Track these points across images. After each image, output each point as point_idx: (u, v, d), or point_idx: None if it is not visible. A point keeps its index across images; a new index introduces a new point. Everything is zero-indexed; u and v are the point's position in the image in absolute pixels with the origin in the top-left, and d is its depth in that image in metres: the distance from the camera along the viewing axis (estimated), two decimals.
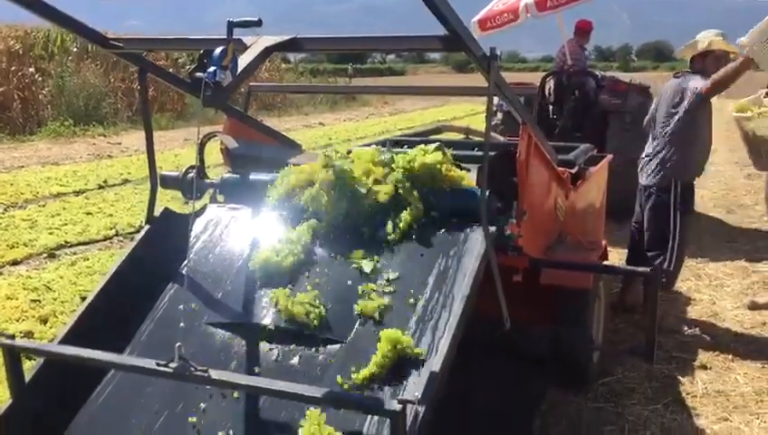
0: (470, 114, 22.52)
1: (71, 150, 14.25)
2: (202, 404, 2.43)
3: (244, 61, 2.45)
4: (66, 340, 2.58)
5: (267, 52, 2.55)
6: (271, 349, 2.55)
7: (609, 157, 5.58)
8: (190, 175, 3.34)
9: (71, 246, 7.14)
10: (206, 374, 2.15)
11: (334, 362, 2.43)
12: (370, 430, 2.20)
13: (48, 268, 6.34)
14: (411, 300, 2.54)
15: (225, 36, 2.38)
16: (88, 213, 8.52)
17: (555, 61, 8.42)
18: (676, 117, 4.81)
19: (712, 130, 4.93)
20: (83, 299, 5.38)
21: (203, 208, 3.25)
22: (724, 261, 6.45)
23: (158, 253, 2.97)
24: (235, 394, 2.42)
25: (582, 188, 4.53)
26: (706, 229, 7.56)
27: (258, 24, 2.36)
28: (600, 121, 7.70)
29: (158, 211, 3.17)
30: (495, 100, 8.01)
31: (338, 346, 2.48)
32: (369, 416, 2.21)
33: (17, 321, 5.01)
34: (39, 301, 5.42)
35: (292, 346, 2.52)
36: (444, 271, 2.62)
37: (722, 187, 10.13)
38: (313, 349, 2.50)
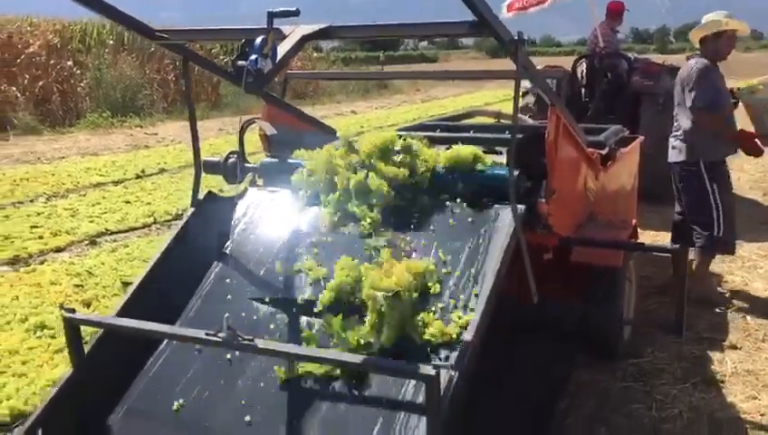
0: (503, 99, 22.42)
1: (109, 141, 14.54)
2: (245, 377, 2.56)
3: (282, 49, 2.56)
4: (121, 314, 2.74)
5: (303, 40, 2.66)
6: (312, 322, 2.68)
7: (641, 138, 5.62)
8: (231, 160, 3.46)
9: (111, 234, 7.36)
10: (251, 343, 2.29)
11: (374, 332, 2.54)
12: (405, 397, 2.31)
13: (90, 255, 6.55)
14: (444, 273, 2.65)
15: (265, 26, 2.49)
16: (127, 202, 8.74)
17: (587, 44, 8.41)
18: (689, 103, 4.91)
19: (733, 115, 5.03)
20: (124, 284, 5.62)
21: (244, 191, 3.37)
22: (759, 243, 6.44)
23: (203, 234, 3.13)
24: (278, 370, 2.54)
25: (613, 168, 4.59)
26: (742, 211, 7.49)
27: (296, 13, 2.46)
28: (633, 103, 7.70)
29: (201, 195, 3.30)
30: (527, 83, 8.12)
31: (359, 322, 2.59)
32: (404, 385, 2.32)
33: (62, 305, 5.20)
34: (82, 286, 5.61)
35: (333, 318, 2.64)
36: (475, 248, 2.73)
37: (759, 169, 10.02)
38: (354, 320, 2.61)
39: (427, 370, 2.03)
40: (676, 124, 5.13)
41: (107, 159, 12.05)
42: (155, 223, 7.79)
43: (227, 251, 3.07)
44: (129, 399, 2.64)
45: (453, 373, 2.19)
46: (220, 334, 2.31)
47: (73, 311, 2.60)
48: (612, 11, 8.14)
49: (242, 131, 3.64)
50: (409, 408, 2.30)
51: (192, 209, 3.24)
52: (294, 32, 2.68)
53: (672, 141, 5.12)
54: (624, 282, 4.09)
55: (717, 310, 4.88)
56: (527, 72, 2.87)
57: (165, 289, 2.91)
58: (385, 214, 2.97)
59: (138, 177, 10.43)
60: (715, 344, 4.41)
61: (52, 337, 4.63)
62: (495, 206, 2.89)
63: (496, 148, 3.85)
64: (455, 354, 2.33)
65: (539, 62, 8.30)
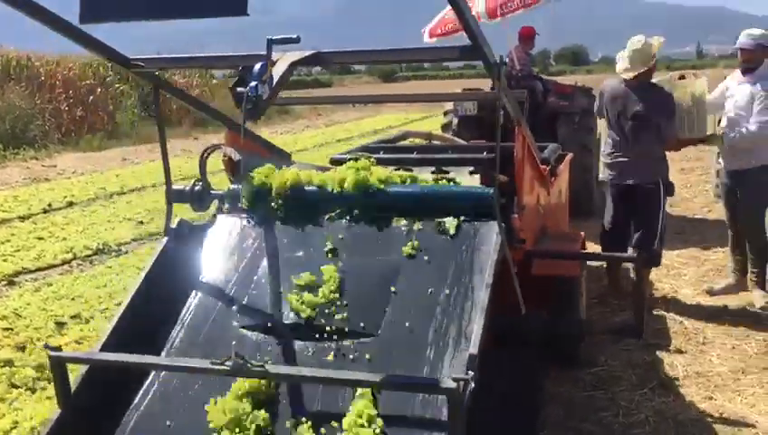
0: (404, 123, 22.83)
1: (3, 175, 13.81)
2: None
3: (275, 74, 2.54)
4: (105, 348, 2.64)
5: (293, 66, 2.64)
6: (305, 347, 2.66)
7: (570, 155, 5.87)
8: (197, 188, 3.39)
9: (29, 272, 7.01)
10: (262, 369, 2.25)
11: (368, 354, 2.55)
12: (415, 413, 2.33)
13: (11, 296, 6.21)
14: (431, 292, 2.68)
15: (265, 53, 2.46)
16: (39, 238, 8.34)
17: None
18: (656, 128, 5.16)
19: None
20: (58, 324, 5.36)
21: (213, 218, 3.32)
22: (678, 251, 6.80)
23: (178, 262, 3.07)
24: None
25: (555, 184, 4.78)
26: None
27: (297, 41, 2.45)
28: (549, 122, 8.02)
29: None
30: (450, 105, 8.30)
31: (369, 339, 2.60)
32: (414, 401, 2.33)
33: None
34: (11, 329, 5.30)
35: (325, 343, 2.63)
36: (460, 264, 2.77)
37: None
38: (346, 344, 2.61)
39: (448, 383, 2.06)
40: (624, 147, 5.28)
41: (6, 193, 11.44)
42: (75, 259, 7.46)
43: (205, 279, 3.02)
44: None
45: (471, 384, 2.21)
46: (227, 363, 2.26)
47: (59, 349, 2.50)
48: (525, 35, 8.45)
49: (204, 158, 3.56)
50: (419, 424, 2.32)
51: (166, 238, 3.15)
52: (283, 58, 2.66)
53: (625, 164, 5.30)
54: (581, 291, 4.25)
55: (655, 313, 5.12)
56: (504, 93, 2.96)
57: (145, 320, 2.83)
58: (359, 234, 2.99)
59: (45, 211, 9.94)
60: (661, 350, 4.62)
61: None
62: (475, 223, 2.94)
63: (443, 167, 3.92)
64: (462, 366, 2.35)
65: (457, 85, 8.49)
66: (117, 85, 23.37)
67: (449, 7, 7.26)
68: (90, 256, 7.59)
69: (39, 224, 9.10)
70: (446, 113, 8.53)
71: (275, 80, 2.51)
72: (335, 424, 2.32)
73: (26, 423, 3.89)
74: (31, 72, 20.85)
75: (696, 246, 6.98)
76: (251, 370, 2.27)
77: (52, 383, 4.14)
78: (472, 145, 5.51)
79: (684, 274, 6.19)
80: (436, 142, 5.93)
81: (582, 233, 4.65)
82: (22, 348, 4.94)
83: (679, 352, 4.59)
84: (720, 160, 5.68)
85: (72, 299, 6.01)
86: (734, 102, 5.26)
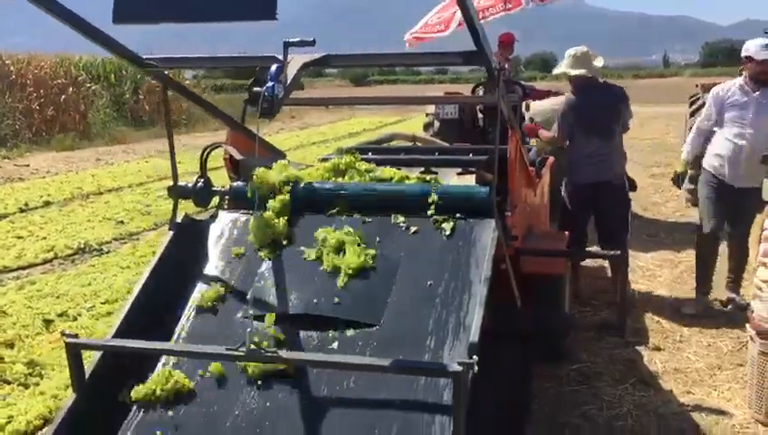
0: (378, 126, 22.96)
1: None
2: (248, 391, 2.60)
3: (288, 75, 2.64)
4: (117, 336, 2.73)
5: (303, 67, 2.74)
6: (309, 336, 2.75)
7: (552, 158, 6.04)
8: (200, 185, 3.47)
9: (11, 271, 7.00)
10: (275, 354, 2.37)
11: (371, 343, 2.66)
12: (417, 397, 2.45)
13: None
14: (431, 284, 2.80)
15: (282, 54, 2.56)
16: (18, 237, 8.31)
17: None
18: (617, 126, 5.43)
19: None
20: (46, 322, 5.38)
21: (215, 214, 3.40)
22: (652, 254, 7.01)
23: (184, 255, 3.15)
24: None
25: (539, 185, 4.94)
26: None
27: (313, 43, 2.55)
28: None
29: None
30: (432, 109, 8.44)
31: (372, 329, 2.71)
32: (418, 383, 2.46)
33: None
34: None
35: (329, 333, 2.73)
36: (457, 259, 2.89)
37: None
38: (349, 334, 2.71)
39: (454, 367, 2.19)
40: (593, 146, 5.46)
41: None
42: (56, 258, 7.46)
43: (210, 272, 3.10)
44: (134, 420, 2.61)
45: (475, 368, 2.32)
46: (241, 349, 2.36)
47: (76, 336, 2.57)
48: (504, 42, 8.63)
49: (205, 156, 3.64)
50: (423, 407, 2.43)
51: (171, 232, 3.23)
52: (294, 60, 2.76)
53: (595, 161, 5.45)
54: (566, 288, 4.41)
55: (633, 313, 5.30)
56: (501, 97, 3.10)
57: (153, 310, 2.91)
58: (359, 229, 3.09)
59: (21, 211, 9.89)
60: (640, 347, 4.79)
61: None
62: (470, 220, 3.07)
63: (432, 168, 4.04)
64: (461, 354, 2.47)
65: (437, 90, 8.60)
66: (89, 85, 23.16)
67: (432, 12, 7.42)
68: (71, 255, 7.59)
69: (17, 223, 9.06)
70: (427, 115, 8.68)
71: (289, 80, 2.61)
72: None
73: (21, 418, 3.92)
74: (1, 70, 20.59)
75: (669, 249, 7.20)
76: (264, 355, 2.37)
77: (44, 379, 4.22)
78: (458, 147, 5.65)
79: (659, 275, 6.39)
80: (418, 144, 6.06)
81: (567, 233, 4.81)
82: (10, 345, 4.96)
83: (657, 349, 4.76)
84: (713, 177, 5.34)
85: (57, 297, 6.03)
86: (756, 115, 5.07)
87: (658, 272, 6.49)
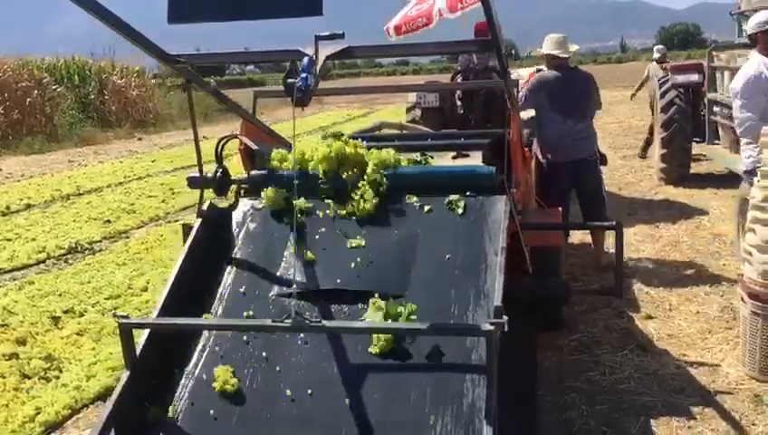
0: (347, 119, 23.11)
1: None
2: (289, 359, 2.78)
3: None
4: (162, 315, 2.89)
5: (327, 59, 2.90)
6: (340, 309, 2.94)
7: (535, 139, 6.30)
8: (219, 175, 3.61)
9: (6, 272, 7.06)
10: (320, 324, 2.55)
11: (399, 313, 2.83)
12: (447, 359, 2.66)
13: None
14: (449, 257, 3.00)
15: (313, 47, 2.71)
16: (7, 239, 8.34)
17: (460, 60, 9.02)
18: (591, 104, 5.96)
19: None
20: (54, 319, 5.47)
21: (236, 202, 3.55)
22: (634, 229, 7.29)
23: (211, 240, 3.32)
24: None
25: (529, 164, 5.19)
26: (608, 205, 8.42)
27: (342, 36, 2.70)
28: (506, 112, 8.39)
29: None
30: (414, 97, 8.63)
31: (399, 299, 2.89)
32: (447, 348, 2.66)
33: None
34: (7, 325, 5.37)
35: (358, 305, 2.92)
36: (471, 234, 3.10)
37: (605, 169, 11.15)
38: (380, 304, 2.88)
39: (487, 326, 2.39)
40: (573, 126, 5.77)
41: None
42: (49, 258, 7.51)
43: (238, 255, 3.27)
44: (186, 390, 2.78)
45: (505, 328, 2.51)
46: (287, 320, 2.53)
47: (127, 316, 2.72)
48: (480, 30, 8.80)
49: (221, 147, 3.77)
50: (454, 368, 2.63)
51: (199, 220, 3.38)
52: (319, 52, 2.91)
53: (577, 140, 5.83)
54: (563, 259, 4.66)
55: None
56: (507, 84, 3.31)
57: (190, 291, 3.08)
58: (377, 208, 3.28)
59: (3, 214, 9.88)
60: (633, 317, 5.05)
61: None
62: (480, 197, 3.27)
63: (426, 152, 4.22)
64: (483, 317, 2.67)
65: (419, 79, 8.77)
66: (54, 87, 22.91)
67: (410, 5, 7.59)
68: (63, 254, 7.64)
69: (2, 226, 9.06)
70: (409, 107, 8.85)
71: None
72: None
73: (50, 409, 4.04)
74: None
75: (648, 225, 7.49)
76: (310, 325, 2.55)
77: (64, 372, 4.33)
78: (448, 133, 5.87)
79: (642, 249, 6.66)
80: (405, 132, 6.25)
81: (560, 208, 5.05)
82: (23, 342, 5.04)
83: (650, 317, 5.02)
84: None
85: (60, 295, 6.10)
86: None
87: (642, 247, 6.75)
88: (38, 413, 4.01)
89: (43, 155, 17.61)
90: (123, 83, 25.64)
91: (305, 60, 2.68)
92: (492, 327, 2.37)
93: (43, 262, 7.41)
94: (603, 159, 6.34)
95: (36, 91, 21.96)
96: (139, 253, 7.41)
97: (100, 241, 8.18)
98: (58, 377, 4.48)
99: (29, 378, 4.48)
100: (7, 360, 4.72)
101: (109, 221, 9.09)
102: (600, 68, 53.13)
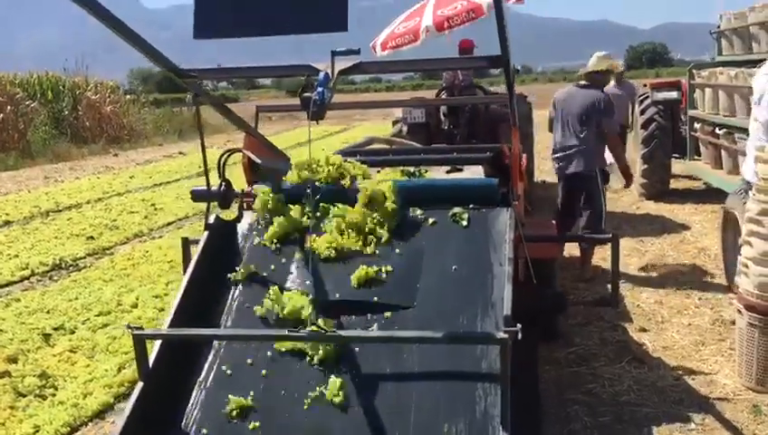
0: (323, 135, 23.09)
1: None
2: (300, 369, 2.78)
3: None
4: (173, 326, 2.89)
5: (340, 74, 2.92)
6: (350, 320, 2.95)
7: (525, 155, 6.39)
8: (223, 188, 3.62)
9: None
10: (336, 334, 2.58)
11: (409, 323, 2.86)
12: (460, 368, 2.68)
13: None
14: (455, 269, 3.03)
15: (330, 62, 2.74)
16: None
17: (444, 77, 9.11)
18: (593, 123, 5.92)
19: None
20: (45, 336, 5.40)
21: (240, 215, 3.55)
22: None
23: (219, 252, 3.32)
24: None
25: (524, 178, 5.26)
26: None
27: (358, 52, 2.73)
28: (491, 128, 8.48)
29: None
30: (400, 113, 8.69)
31: (408, 311, 2.91)
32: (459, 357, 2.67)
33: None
34: None
35: (368, 316, 2.93)
36: (476, 245, 3.13)
37: None
38: (387, 316, 2.92)
39: (501, 335, 2.43)
40: (566, 141, 5.92)
41: None
42: (33, 275, 7.39)
43: (245, 265, 3.25)
44: (197, 402, 2.77)
45: (518, 336, 2.54)
46: (303, 331, 2.54)
47: (141, 328, 2.71)
48: (464, 48, 8.90)
49: (224, 161, 3.78)
50: (466, 377, 2.65)
51: (206, 232, 3.38)
52: (328, 67, 2.93)
53: (570, 155, 6.05)
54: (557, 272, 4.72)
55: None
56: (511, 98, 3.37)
57: (200, 301, 3.08)
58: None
59: None
60: (627, 329, 5.11)
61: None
62: (483, 209, 3.31)
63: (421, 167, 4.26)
64: (493, 328, 2.72)
65: (409, 96, 8.82)
66: (27, 102, 22.65)
67: (397, 21, 7.69)
68: (47, 271, 7.54)
69: None
70: (395, 122, 8.93)
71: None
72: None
73: (48, 427, 3.98)
74: None
75: (633, 239, 7.60)
76: (326, 335, 2.56)
77: (59, 390, 4.29)
78: (444, 147, 5.95)
79: (629, 263, 6.75)
80: (395, 147, 6.28)
81: (554, 221, 5.11)
82: (14, 360, 4.96)
83: (643, 330, 5.08)
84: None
85: (47, 312, 6.02)
86: None
87: (628, 261, 6.84)
88: (37, 432, 3.96)
89: (17, 171, 17.37)
90: (97, 99, 25.44)
91: (321, 75, 2.70)
92: (506, 335, 2.40)
93: (27, 279, 7.30)
94: (606, 177, 6.38)
95: (9, 107, 21.69)
96: (125, 269, 7.34)
97: (84, 257, 8.07)
98: (54, 395, 4.42)
99: (24, 396, 4.41)
100: (0, 378, 4.65)
101: (92, 238, 8.98)
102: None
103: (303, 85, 2.75)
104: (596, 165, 6.07)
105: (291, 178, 3.57)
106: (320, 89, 2.68)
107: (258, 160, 3.85)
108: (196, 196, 3.63)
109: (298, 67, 2.94)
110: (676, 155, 9.75)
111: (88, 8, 2.23)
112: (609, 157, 6.48)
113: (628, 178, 6.46)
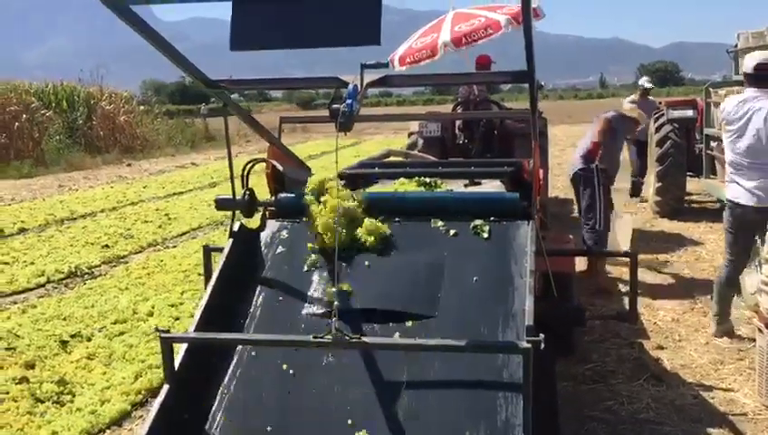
0: (333, 148, 23.11)
1: None
2: (322, 378, 2.80)
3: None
4: (198, 330, 2.93)
5: (368, 86, 2.95)
6: (372, 328, 2.95)
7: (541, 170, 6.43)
8: (247, 197, 3.64)
9: (6, 296, 6.98)
10: (360, 341, 2.58)
11: (430, 332, 2.86)
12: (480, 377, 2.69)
13: None
14: (476, 280, 3.03)
15: (359, 75, 2.77)
16: (5, 263, 8.24)
17: (460, 92, 9.14)
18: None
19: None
20: (62, 343, 5.42)
21: (264, 224, 3.57)
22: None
23: (242, 260, 3.35)
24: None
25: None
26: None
27: (386, 65, 2.76)
28: (507, 143, 8.50)
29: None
30: (415, 127, 8.73)
31: (429, 321, 2.92)
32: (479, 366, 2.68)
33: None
34: (14, 348, 5.32)
35: (390, 325, 2.94)
36: (497, 257, 3.14)
37: None
38: (408, 325, 2.93)
39: (524, 344, 2.44)
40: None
41: None
42: (49, 282, 7.44)
43: (268, 275, 3.29)
44: (222, 405, 2.79)
45: (541, 346, 2.54)
46: (327, 337, 2.54)
47: (168, 331, 2.75)
48: (482, 64, 8.94)
49: (248, 171, 3.80)
50: (487, 385, 2.66)
51: (231, 240, 3.41)
52: (356, 79, 2.97)
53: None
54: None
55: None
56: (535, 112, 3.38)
57: (224, 307, 3.11)
58: (404, 233, 3.31)
59: None
60: (644, 347, 5.09)
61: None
62: (504, 222, 3.32)
63: (438, 179, 4.27)
64: (514, 339, 2.73)
65: (423, 110, 8.85)
66: (42, 112, 22.85)
67: (415, 36, 7.74)
68: (63, 279, 7.58)
69: None
70: (410, 135, 8.95)
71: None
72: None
73: (65, 434, 4.00)
74: None
75: (647, 256, 7.58)
76: (350, 341, 2.56)
77: (77, 397, 4.30)
78: (463, 161, 5.98)
79: (645, 280, 6.72)
80: (411, 159, 6.31)
81: (571, 236, 5.11)
82: (32, 366, 4.99)
83: (660, 348, 5.06)
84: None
85: (64, 319, 6.05)
86: None
87: (644, 277, 6.81)
88: None
89: (32, 179, 17.51)
90: (112, 109, 25.63)
91: (350, 87, 2.73)
92: (529, 345, 2.42)
93: (43, 286, 7.34)
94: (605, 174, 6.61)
95: (25, 116, 21.92)
96: (140, 278, 7.37)
97: (100, 265, 8.12)
98: (72, 401, 4.43)
99: (42, 402, 4.42)
100: (18, 383, 4.66)
101: (107, 246, 9.04)
102: (581, 103, 53.97)
103: (332, 97, 2.78)
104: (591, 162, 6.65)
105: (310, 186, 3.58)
106: (348, 100, 2.71)
107: (281, 168, 3.87)
108: (221, 204, 3.65)
109: (326, 79, 2.98)
110: (691, 173, 9.74)
111: (131, 24, 2.29)
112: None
113: None
